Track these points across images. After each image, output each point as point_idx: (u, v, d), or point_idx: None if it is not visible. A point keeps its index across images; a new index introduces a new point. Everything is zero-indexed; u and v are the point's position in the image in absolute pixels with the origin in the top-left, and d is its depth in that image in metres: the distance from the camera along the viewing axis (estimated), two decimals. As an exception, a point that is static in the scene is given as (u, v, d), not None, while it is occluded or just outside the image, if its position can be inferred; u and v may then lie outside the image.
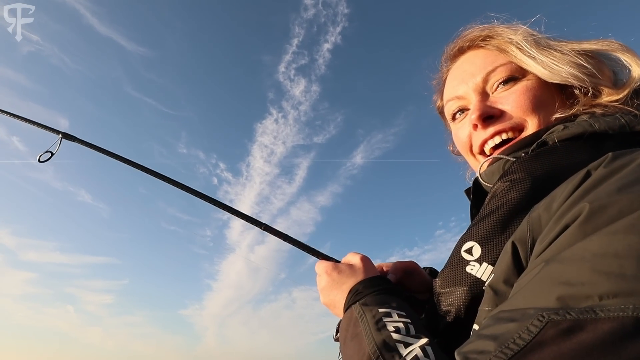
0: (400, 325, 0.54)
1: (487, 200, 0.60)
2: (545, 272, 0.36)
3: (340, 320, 0.83)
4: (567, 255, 0.35)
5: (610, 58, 0.65)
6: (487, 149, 0.71)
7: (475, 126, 0.69)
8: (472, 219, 0.72)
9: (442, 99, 0.83)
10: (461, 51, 0.77)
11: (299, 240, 0.90)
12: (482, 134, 0.70)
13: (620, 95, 0.61)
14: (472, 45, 0.74)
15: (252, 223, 0.93)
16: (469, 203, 0.77)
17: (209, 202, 0.96)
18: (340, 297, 0.70)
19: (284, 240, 0.90)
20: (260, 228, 0.92)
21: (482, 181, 0.67)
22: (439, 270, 0.92)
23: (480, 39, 0.72)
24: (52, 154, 1.09)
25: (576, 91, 0.64)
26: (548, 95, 0.66)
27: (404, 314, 0.58)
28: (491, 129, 0.68)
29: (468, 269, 0.55)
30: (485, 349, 0.35)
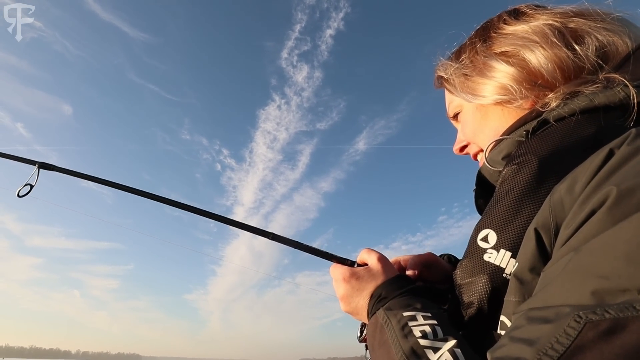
0: (427, 328, 0.52)
1: (497, 186, 0.59)
2: (575, 263, 0.33)
3: (364, 324, 0.81)
4: (598, 244, 0.32)
5: (535, 46, 0.66)
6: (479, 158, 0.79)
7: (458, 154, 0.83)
8: (478, 210, 0.73)
9: None
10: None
11: (310, 245, 0.86)
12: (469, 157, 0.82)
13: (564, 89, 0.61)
14: (437, 85, 0.84)
15: (259, 234, 0.88)
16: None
17: (212, 219, 0.90)
18: (362, 303, 0.68)
19: (295, 247, 0.86)
20: (268, 238, 0.88)
21: (487, 166, 0.67)
22: (459, 259, 0.92)
23: (436, 79, 0.83)
24: (32, 187, 1.01)
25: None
26: (495, 109, 0.69)
27: (429, 315, 0.56)
28: (471, 155, 0.80)
29: (486, 257, 0.54)
30: (521, 356, 0.32)
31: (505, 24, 0.71)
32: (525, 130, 0.61)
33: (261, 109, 42.81)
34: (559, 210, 0.41)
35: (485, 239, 0.55)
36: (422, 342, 0.50)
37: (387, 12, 36.41)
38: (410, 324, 0.54)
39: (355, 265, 0.77)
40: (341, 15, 34.28)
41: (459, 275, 0.59)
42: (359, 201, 62.55)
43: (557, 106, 0.58)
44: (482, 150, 0.73)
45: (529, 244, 0.45)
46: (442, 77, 0.79)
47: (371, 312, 0.65)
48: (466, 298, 0.56)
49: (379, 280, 0.68)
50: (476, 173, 0.72)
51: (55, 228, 46.21)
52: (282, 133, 40.04)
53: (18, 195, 1.00)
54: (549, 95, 0.60)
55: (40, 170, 0.99)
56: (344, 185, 52.09)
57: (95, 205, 46.91)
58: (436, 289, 0.83)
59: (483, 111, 0.71)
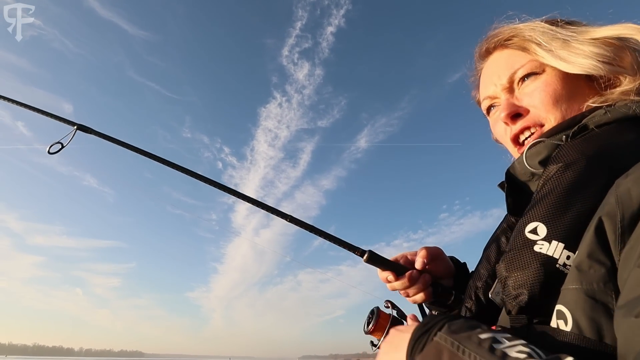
0: (522, 348, 0.40)
1: (540, 184, 0.60)
2: None
3: (373, 312, 0.78)
4: None
5: (630, 44, 0.67)
6: (521, 139, 0.75)
7: (506, 123, 0.74)
8: (508, 209, 0.74)
9: (479, 94, 0.88)
10: (488, 52, 0.81)
11: (324, 230, 0.87)
12: (513, 128, 0.74)
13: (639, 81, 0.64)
14: (497, 46, 0.79)
15: (277, 215, 0.90)
16: (503, 195, 0.78)
17: (237, 197, 0.92)
18: (402, 342, 0.51)
19: (312, 232, 0.87)
20: (287, 220, 0.89)
21: (526, 166, 0.67)
22: (461, 261, 0.92)
23: (503, 39, 0.76)
24: (63, 146, 1.04)
25: (601, 79, 0.67)
26: (571, 86, 0.68)
27: (510, 335, 0.44)
28: (519, 125, 0.72)
29: (537, 248, 0.53)
30: None
31: (573, 23, 0.72)
32: (565, 135, 0.63)
33: (262, 106, 42.63)
34: (626, 199, 0.43)
35: (534, 231, 0.55)
36: None
37: (387, 9, 37.94)
38: (498, 345, 0.41)
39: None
40: (342, 12, 35.89)
41: (504, 267, 0.56)
42: (360, 199, 59.05)
43: (598, 114, 0.62)
44: (540, 126, 0.70)
45: (590, 232, 0.46)
46: (521, 36, 0.73)
47: (421, 343, 0.47)
48: (514, 290, 0.54)
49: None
50: (505, 172, 0.72)
51: (57, 226, 44.59)
52: (284, 131, 39.19)
53: (48, 152, 1.02)
54: (600, 98, 0.66)
55: (78, 132, 1.03)
56: (345, 182, 49.72)
57: (97, 204, 44.39)
58: (442, 285, 0.84)
59: (569, 82, 0.69)
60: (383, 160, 47.66)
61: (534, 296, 0.51)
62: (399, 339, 0.53)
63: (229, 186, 0.97)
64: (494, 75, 0.77)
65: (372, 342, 0.81)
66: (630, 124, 0.60)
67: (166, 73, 37.70)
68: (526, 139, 0.73)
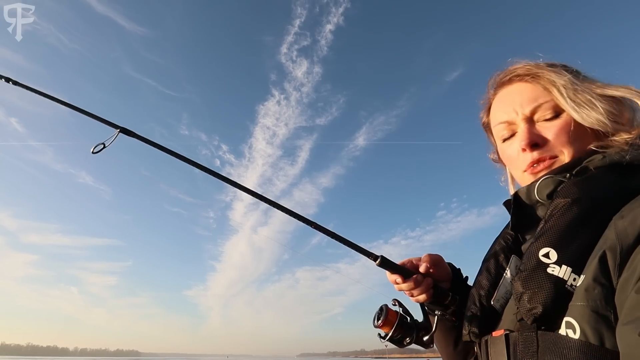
0: None
1: (549, 213, 0.71)
2: None
3: (382, 308, 0.93)
4: None
5: (629, 103, 0.81)
6: (535, 167, 0.84)
7: (524, 150, 0.83)
8: (512, 227, 0.86)
9: (487, 116, 0.98)
10: (510, 81, 0.90)
11: (343, 236, 1.00)
12: (529, 157, 0.83)
13: (633, 134, 0.77)
14: (520, 79, 0.87)
15: (303, 221, 1.02)
16: (504, 211, 0.92)
17: (264, 201, 1.04)
18: None
19: (332, 237, 0.99)
20: (311, 226, 1.01)
21: (535, 196, 0.79)
22: (456, 267, 1.07)
23: (529, 75, 0.85)
24: (104, 147, 1.14)
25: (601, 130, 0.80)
26: (580, 130, 0.80)
27: None
28: (535, 154, 0.81)
29: (549, 270, 0.64)
30: None
31: (588, 79, 0.83)
32: (568, 173, 0.75)
33: (260, 104, 41.60)
34: (624, 236, 0.56)
35: (546, 256, 0.65)
36: None
37: (387, 7, 37.72)
38: None
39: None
40: (341, 10, 35.48)
41: (520, 285, 0.66)
42: (358, 197, 57.40)
43: (597, 158, 0.74)
44: (555, 157, 0.81)
45: (595, 261, 0.58)
46: (547, 78, 0.82)
47: None
48: (529, 304, 0.64)
49: None
50: (513, 195, 0.84)
51: (52, 224, 42.19)
52: (282, 128, 38.41)
53: (92, 152, 1.12)
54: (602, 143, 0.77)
55: (120, 135, 1.13)
56: (344, 180, 48.49)
57: (92, 202, 41.70)
58: (441, 287, 0.98)
59: (579, 127, 0.79)
60: (381, 158, 46.15)
61: (546, 310, 0.62)
62: None
63: (253, 191, 1.08)
64: (516, 103, 0.86)
65: (379, 334, 0.95)
66: (621, 169, 0.71)
67: (164, 70, 35.39)
68: (538, 167, 0.82)
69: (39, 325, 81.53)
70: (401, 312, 0.94)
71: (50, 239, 72.30)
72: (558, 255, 0.64)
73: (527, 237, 0.86)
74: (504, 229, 0.93)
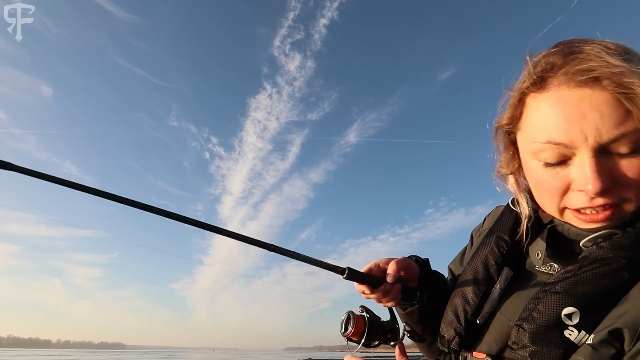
0: None
1: (587, 262, 0.60)
2: None
3: (349, 318, 0.91)
4: None
5: None
6: (586, 210, 0.61)
7: (588, 194, 0.58)
8: (549, 254, 0.71)
9: (518, 121, 0.68)
10: (579, 83, 0.57)
11: (306, 255, 0.93)
12: (586, 200, 0.59)
13: None
14: (597, 84, 0.55)
15: (259, 246, 0.91)
16: (486, 214, 0.93)
17: (208, 230, 0.89)
18: None
19: (294, 258, 0.91)
20: (269, 250, 0.91)
21: (580, 244, 0.65)
22: (422, 258, 1.09)
23: (615, 84, 0.54)
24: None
25: None
26: None
27: None
28: (600, 201, 0.58)
29: (566, 333, 0.56)
30: None
31: None
32: (628, 229, 0.60)
33: (252, 97, 37.45)
34: None
35: (569, 317, 0.57)
36: None
37: (381, 3, 35.93)
38: None
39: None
40: (335, 4, 32.74)
41: (528, 337, 0.59)
42: (348, 193, 58.77)
43: None
44: (616, 206, 0.59)
45: (610, 322, 0.53)
46: (619, 80, 0.53)
47: None
48: (530, 357, 0.58)
49: None
50: (548, 227, 0.71)
51: (35, 215, 32.83)
52: (273, 122, 35.54)
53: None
54: None
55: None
56: (334, 176, 48.79)
57: (73, 194, 34.69)
58: (409, 288, 1.00)
59: None
60: (372, 155, 45.32)
61: None
62: None
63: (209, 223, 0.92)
64: (589, 123, 0.55)
65: (350, 339, 0.95)
66: None
67: (153, 59, 27.50)
68: (598, 216, 0.60)
69: (20, 317, 70.03)
70: (368, 317, 0.94)
71: (33, 230, 57.75)
72: (581, 319, 0.56)
73: (535, 254, 0.75)
74: (497, 230, 0.84)
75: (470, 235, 1.09)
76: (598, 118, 0.55)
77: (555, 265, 0.71)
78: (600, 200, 0.58)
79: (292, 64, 33.47)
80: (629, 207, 0.60)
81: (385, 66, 36.92)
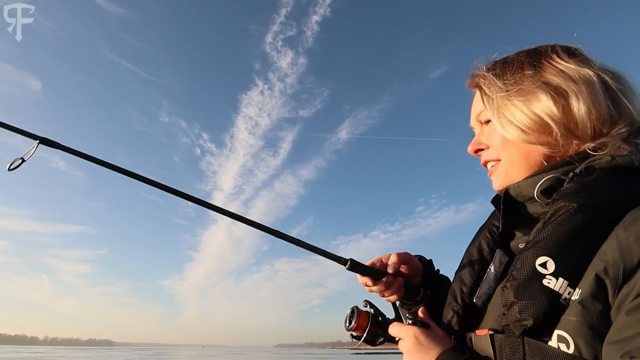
0: None
1: (548, 216, 0.65)
2: None
3: (353, 311, 0.91)
4: None
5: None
6: (488, 167, 0.85)
7: (472, 153, 0.87)
8: (503, 225, 0.81)
9: None
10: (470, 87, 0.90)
11: (308, 242, 0.95)
12: (480, 159, 0.87)
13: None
14: (472, 87, 0.88)
15: (265, 231, 0.95)
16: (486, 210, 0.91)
17: (216, 211, 0.95)
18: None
19: (298, 245, 0.94)
20: (274, 235, 0.95)
21: (518, 190, 0.75)
22: (427, 259, 1.07)
23: (472, 84, 0.86)
24: (23, 161, 0.97)
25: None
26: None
27: None
28: (482, 159, 0.85)
29: (545, 282, 0.60)
30: None
31: (559, 57, 0.75)
32: (572, 172, 0.68)
33: (243, 93, 39.97)
34: (627, 254, 0.54)
35: (544, 265, 0.61)
36: None
37: (373, 1, 36.94)
38: None
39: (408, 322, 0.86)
40: (328, 1, 34.22)
41: (512, 294, 0.63)
42: (339, 189, 59.97)
43: (603, 157, 0.66)
44: (497, 160, 0.80)
45: (592, 275, 0.56)
46: (482, 89, 0.80)
47: None
48: (519, 314, 0.61)
49: (443, 345, 0.75)
50: (502, 192, 0.78)
51: (22, 210, 38.54)
52: (264, 119, 37.73)
53: (9, 169, 0.95)
54: (588, 145, 0.68)
55: (41, 146, 0.96)
56: (325, 173, 50.06)
57: (65, 188, 36.99)
58: (412, 284, 0.99)
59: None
60: (363, 152, 46.51)
61: (536, 322, 0.60)
62: (432, 348, 0.74)
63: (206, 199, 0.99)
64: (471, 111, 0.88)
65: (352, 335, 0.94)
66: (630, 172, 0.65)
67: (143, 54, 31.23)
68: (492, 166, 0.83)
69: (6, 314, 74.77)
70: (372, 312, 0.93)
71: (20, 225, 64.37)
72: (556, 266, 0.61)
73: (517, 233, 0.83)
74: (488, 219, 0.90)
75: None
76: (472, 107, 0.87)
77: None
78: (482, 158, 0.85)
79: (284, 60, 34.04)
80: (501, 165, 0.79)
81: (377, 63, 35.95)
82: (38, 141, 0.96)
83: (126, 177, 0.99)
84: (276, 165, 39.52)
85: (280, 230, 0.94)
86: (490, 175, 0.84)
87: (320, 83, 37.21)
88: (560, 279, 0.59)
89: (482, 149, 0.84)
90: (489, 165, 0.84)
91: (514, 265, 0.67)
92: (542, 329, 0.61)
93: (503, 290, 0.66)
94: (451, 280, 1.07)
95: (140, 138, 28.79)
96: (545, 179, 0.70)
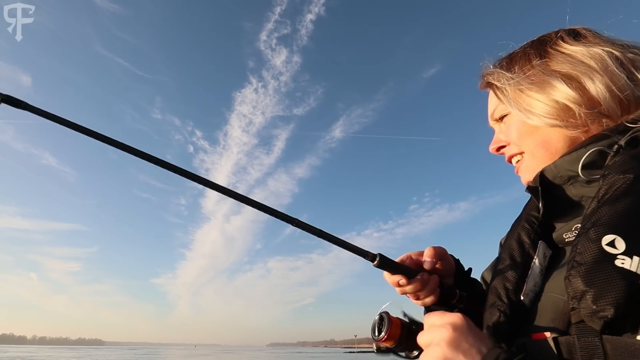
0: None
1: (602, 192, 0.58)
2: None
3: (382, 318, 0.75)
4: None
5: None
6: (513, 163, 0.82)
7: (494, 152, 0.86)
8: (544, 214, 0.73)
9: None
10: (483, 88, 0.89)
11: (333, 235, 0.81)
12: (503, 156, 0.85)
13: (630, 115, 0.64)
14: (484, 86, 0.86)
15: (282, 219, 0.81)
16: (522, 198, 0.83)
17: (238, 199, 0.80)
18: None
19: (319, 236, 0.80)
20: (292, 224, 0.80)
21: (554, 170, 0.69)
22: (457, 259, 0.94)
23: (483, 84, 0.85)
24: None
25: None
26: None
27: None
28: (506, 156, 0.83)
29: (618, 262, 0.50)
30: None
31: (564, 42, 0.73)
32: (617, 145, 0.62)
33: (237, 91, 38.73)
34: None
35: (612, 245, 0.52)
36: None
37: (368, 0, 37.87)
38: None
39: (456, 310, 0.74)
40: (322, 0, 34.28)
41: (581, 281, 0.53)
42: (333, 188, 58.66)
43: None
44: (521, 154, 0.77)
45: None
46: (493, 84, 0.79)
47: None
48: (595, 305, 0.51)
49: (487, 344, 0.56)
50: (535, 174, 0.72)
51: (11, 207, 33.45)
52: (258, 117, 36.50)
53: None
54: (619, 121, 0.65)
55: (4, 105, 0.77)
56: (319, 171, 48.73)
57: (55, 184, 33.21)
58: (447, 284, 0.85)
59: None
60: (357, 151, 46.73)
61: (619, 312, 0.49)
62: (474, 346, 0.55)
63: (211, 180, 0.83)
64: (488, 110, 0.87)
65: (381, 348, 0.78)
66: None
67: (137, 50, 29.78)
68: (517, 161, 0.81)
69: None
70: (407, 320, 0.78)
71: (9, 222, 59.90)
72: (627, 243, 0.51)
73: (558, 224, 0.74)
74: (524, 210, 0.82)
75: (498, 244, 0.98)
76: (488, 106, 0.86)
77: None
78: (505, 156, 0.83)
79: (279, 58, 34.62)
80: (526, 156, 0.77)
81: (371, 62, 37.62)
82: (1, 99, 0.77)
83: (116, 154, 0.81)
84: (270, 163, 38.32)
85: (299, 219, 0.79)
86: (517, 172, 0.81)
87: (314, 81, 37.32)
88: (636, 258, 0.50)
89: (504, 146, 0.82)
90: (513, 160, 0.81)
91: (574, 251, 0.57)
92: (625, 322, 0.50)
93: (568, 280, 0.55)
94: (480, 283, 0.95)
95: (132, 135, 26.69)
96: (589, 152, 0.64)
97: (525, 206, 0.84)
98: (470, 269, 0.95)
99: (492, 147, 0.84)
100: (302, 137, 40.63)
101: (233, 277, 51.73)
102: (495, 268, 0.79)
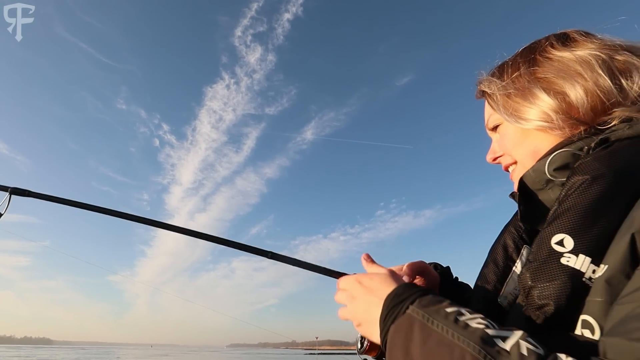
0: (482, 320, 0.49)
1: (563, 194, 0.61)
2: None
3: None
4: None
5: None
6: (509, 171, 0.83)
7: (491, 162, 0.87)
8: (521, 217, 0.74)
9: None
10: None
11: (309, 262, 0.84)
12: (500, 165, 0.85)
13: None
14: (479, 96, 0.87)
15: (256, 253, 0.85)
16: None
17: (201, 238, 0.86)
18: (375, 309, 0.61)
19: (295, 265, 0.83)
20: (267, 257, 0.85)
21: (545, 174, 0.68)
22: (443, 266, 0.95)
23: (478, 93, 0.86)
24: (1, 214, 0.93)
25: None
26: (532, 131, 0.73)
27: (470, 310, 0.53)
28: (502, 165, 0.84)
29: (564, 260, 0.55)
30: None
31: (553, 48, 0.74)
32: (586, 147, 0.64)
33: (208, 86, 39.52)
34: None
35: (560, 243, 0.56)
36: (489, 331, 0.47)
37: (346, 3, 35.83)
38: (461, 317, 0.50)
39: None
40: (300, 0, 32.90)
41: (529, 277, 0.58)
42: (301, 189, 59.11)
43: (619, 128, 0.63)
44: (515, 163, 0.79)
45: (621, 249, 0.50)
46: (485, 92, 0.81)
47: (394, 314, 0.57)
48: (538, 300, 0.55)
49: (394, 284, 0.63)
50: (518, 181, 0.72)
51: None
52: (229, 114, 37.16)
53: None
54: (603, 118, 0.65)
55: (13, 196, 0.91)
56: (288, 172, 48.70)
57: (8, 174, 37.25)
58: None
59: (524, 129, 0.74)
60: (328, 154, 45.13)
61: (559, 307, 0.54)
62: (370, 301, 0.63)
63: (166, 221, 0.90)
64: (484, 119, 0.87)
65: (366, 357, 0.82)
66: None
67: (102, 36, 31.35)
68: (512, 170, 0.81)
69: None
70: None
71: None
72: (574, 242, 0.55)
73: (541, 228, 0.72)
74: (513, 217, 0.82)
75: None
76: (484, 115, 0.86)
77: None
78: (501, 165, 0.83)
79: (253, 55, 32.97)
80: (519, 165, 0.77)
81: (346, 67, 34.23)
82: (9, 191, 0.91)
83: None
84: (239, 161, 38.58)
85: (273, 251, 0.83)
86: (511, 179, 0.82)
87: (288, 82, 35.94)
88: (581, 256, 0.54)
89: (500, 156, 0.83)
90: (510, 169, 0.82)
91: (531, 250, 0.63)
92: (566, 317, 0.54)
93: (519, 278, 0.61)
94: (470, 287, 0.98)
95: (94, 124, 28.31)
96: (555, 154, 0.66)
97: (514, 214, 0.84)
98: (457, 278, 1.00)
99: (488, 157, 0.85)
100: (273, 137, 38.53)
101: (195, 277, 52.04)
102: (480, 272, 0.80)
